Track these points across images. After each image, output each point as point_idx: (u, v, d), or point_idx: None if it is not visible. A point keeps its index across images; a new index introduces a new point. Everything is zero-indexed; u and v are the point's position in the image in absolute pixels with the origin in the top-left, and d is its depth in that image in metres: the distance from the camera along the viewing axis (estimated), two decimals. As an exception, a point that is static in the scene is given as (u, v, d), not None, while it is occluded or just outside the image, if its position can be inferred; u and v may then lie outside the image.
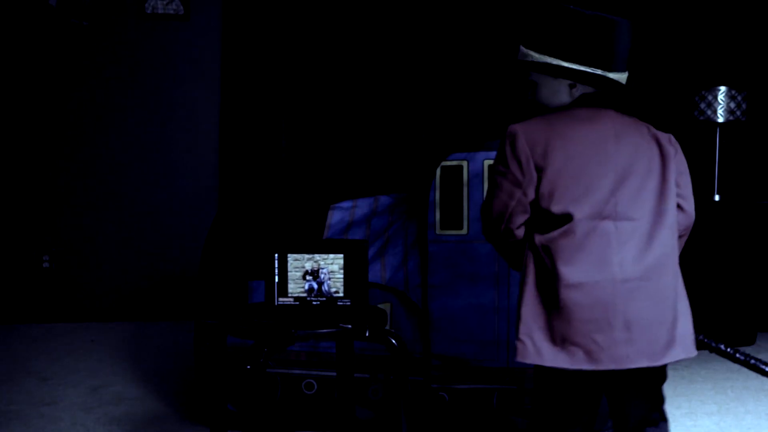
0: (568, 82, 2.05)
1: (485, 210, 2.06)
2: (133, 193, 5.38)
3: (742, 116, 4.81)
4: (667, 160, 2.01)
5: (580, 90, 2.05)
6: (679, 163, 2.06)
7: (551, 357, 1.92)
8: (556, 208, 1.94)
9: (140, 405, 3.51)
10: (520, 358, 1.95)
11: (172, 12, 5.32)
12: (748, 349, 4.64)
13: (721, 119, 4.78)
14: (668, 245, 1.98)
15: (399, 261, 3.16)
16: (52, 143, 5.28)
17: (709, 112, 4.80)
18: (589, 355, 1.90)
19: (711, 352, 4.31)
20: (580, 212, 1.93)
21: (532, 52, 2.05)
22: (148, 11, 5.30)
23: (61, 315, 5.29)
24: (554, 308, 1.92)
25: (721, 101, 4.77)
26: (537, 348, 1.93)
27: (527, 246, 2.00)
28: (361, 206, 3.38)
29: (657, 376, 2.03)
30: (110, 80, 5.32)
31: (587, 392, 2.02)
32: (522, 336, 1.95)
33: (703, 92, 4.84)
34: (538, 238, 1.97)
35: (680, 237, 2.08)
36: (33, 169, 5.27)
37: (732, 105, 4.77)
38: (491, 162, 3.08)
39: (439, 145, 5.04)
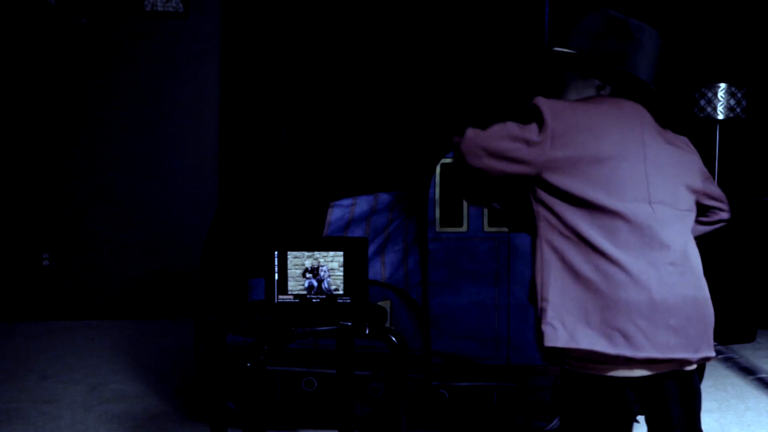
0: (597, 83, 2.01)
1: (474, 138, 1.90)
2: (133, 190, 5.38)
3: (742, 113, 4.81)
4: (688, 158, 2.02)
5: (607, 92, 2.02)
6: (703, 170, 2.06)
7: (587, 340, 1.78)
8: (582, 188, 1.84)
9: (140, 403, 3.51)
10: (550, 343, 1.79)
11: (171, 10, 5.32)
12: (748, 347, 4.65)
13: (721, 116, 4.78)
14: (693, 237, 1.96)
15: (399, 258, 3.16)
16: (51, 141, 5.28)
17: (708, 110, 4.80)
18: (629, 340, 1.78)
19: None
20: (613, 193, 1.84)
21: (566, 50, 2.00)
22: (148, 9, 5.30)
23: (61, 313, 5.29)
24: (591, 290, 1.80)
25: (721, 98, 4.76)
26: (570, 331, 1.79)
27: (543, 226, 1.88)
28: (361, 204, 3.38)
29: (693, 380, 1.92)
30: (109, 78, 5.32)
31: (622, 396, 1.87)
32: (550, 320, 1.80)
33: (702, 89, 4.83)
34: (560, 219, 1.85)
35: (711, 225, 2.11)
36: (32, 167, 5.27)
37: (732, 102, 4.77)
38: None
39: (439, 142, 5.04)
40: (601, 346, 1.79)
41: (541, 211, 1.89)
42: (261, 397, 2.29)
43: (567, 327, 1.80)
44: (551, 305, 1.82)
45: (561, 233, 1.85)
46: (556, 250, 1.85)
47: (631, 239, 1.83)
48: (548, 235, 1.87)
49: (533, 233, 1.95)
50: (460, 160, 1.93)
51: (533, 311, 1.98)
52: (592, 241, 1.82)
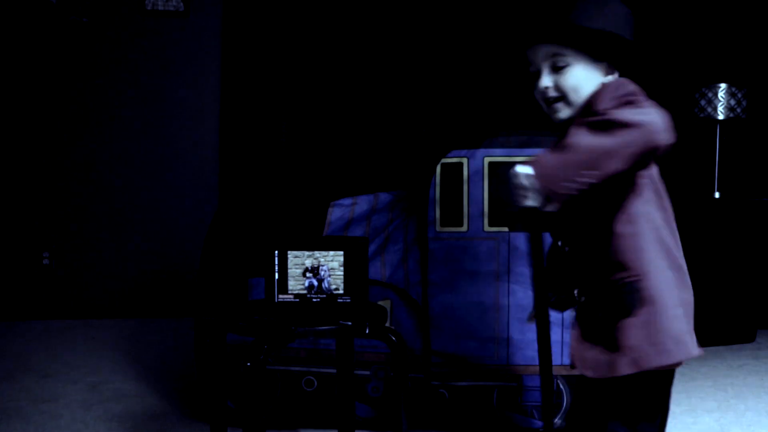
0: (607, 66, 1.88)
1: (594, 141, 1.66)
2: (133, 189, 5.38)
3: (742, 113, 4.81)
4: None
5: (613, 77, 1.91)
6: None
7: (691, 346, 1.81)
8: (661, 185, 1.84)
9: (140, 402, 3.51)
10: (685, 356, 1.78)
11: (172, 9, 5.32)
12: (748, 347, 4.64)
13: (721, 116, 4.78)
14: None
15: (399, 258, 3.16)
16: (52, 140, 5.28)
17: (709, 110, 4.80)
18: (694, 341, 1.82)
19: None
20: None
21: (598, 29, 1.83)
22: (149, 8, 5.30)
23: (60, 312, 5.29)
24: (677, 293, 1.81)
25: (721, 98, 4.76)
26: (693, 339, 1.81)
27: (643, 225, 1.78)
28: (361, 203, 3.38)
29: None
30: (110, 77, 5.32)
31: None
32: (685, 330, 1.79)
33: (703, 89, 4.84)
34: (651, 218, 1.80)
35: None
36: (33, 166, 5.27)
37: (732, 102, 4.77)
38: (492, 159, 3.08)
39: (440, 142, 5.04)
40: (694, 349, 1.81)
41: (640, 208, 1.78)
42: (261, 397, 2.29)
43: (690, 335, 1.80)
44: (675, 312, 1.79)
45: (658, 238, 1.80)
46: (660, 259, 1.80)
47: (678, 241, 1.86)
48: (652, 240, 1.79)
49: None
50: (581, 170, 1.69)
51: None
52: (669, 243, 1.82)
